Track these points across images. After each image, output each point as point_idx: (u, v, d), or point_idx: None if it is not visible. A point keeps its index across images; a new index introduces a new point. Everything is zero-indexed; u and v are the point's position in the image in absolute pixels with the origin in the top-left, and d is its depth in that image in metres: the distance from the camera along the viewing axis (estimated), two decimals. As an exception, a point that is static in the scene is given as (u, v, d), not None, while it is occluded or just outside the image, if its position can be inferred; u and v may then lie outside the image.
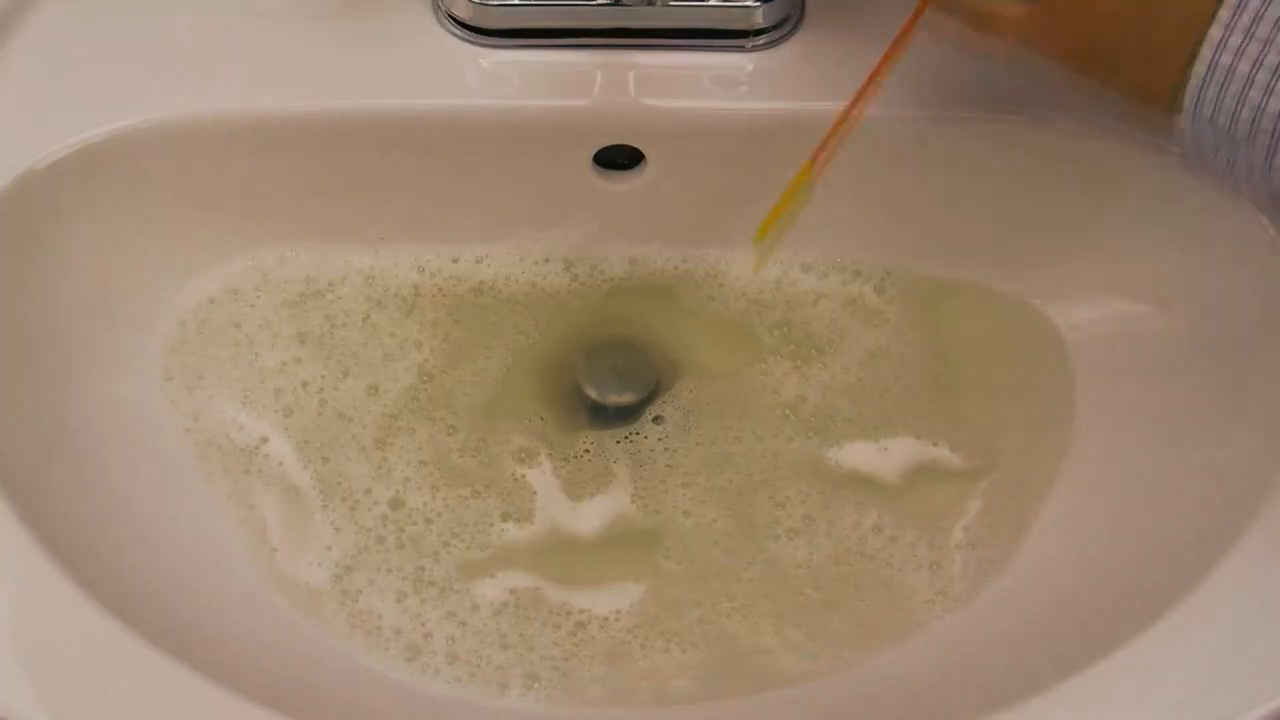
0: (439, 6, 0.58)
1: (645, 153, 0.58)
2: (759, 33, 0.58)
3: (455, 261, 0.61)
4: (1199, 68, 0.43)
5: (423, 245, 0.61)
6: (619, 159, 0.59)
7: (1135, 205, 0.57)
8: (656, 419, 0.58)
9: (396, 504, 0.56)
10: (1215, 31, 0.42)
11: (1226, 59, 0.42)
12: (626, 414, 0.59)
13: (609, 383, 0.59)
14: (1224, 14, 0.42)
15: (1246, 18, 0.42)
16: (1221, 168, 0.45)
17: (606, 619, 0.54)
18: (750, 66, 0.58)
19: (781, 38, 0.58)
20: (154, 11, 0.58)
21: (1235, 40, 0.42)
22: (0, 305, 0.53)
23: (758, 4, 0.57)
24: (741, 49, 0.58)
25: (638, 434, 0.58)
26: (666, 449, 0.58)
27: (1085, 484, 0.55)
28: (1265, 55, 0.42)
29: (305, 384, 0.58)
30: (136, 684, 0.44)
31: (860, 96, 0.52)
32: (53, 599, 0.46)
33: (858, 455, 0.58)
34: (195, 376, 0.58)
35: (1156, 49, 0.44)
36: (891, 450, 0.58)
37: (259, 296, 0.59)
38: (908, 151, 0.57)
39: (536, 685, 0.52)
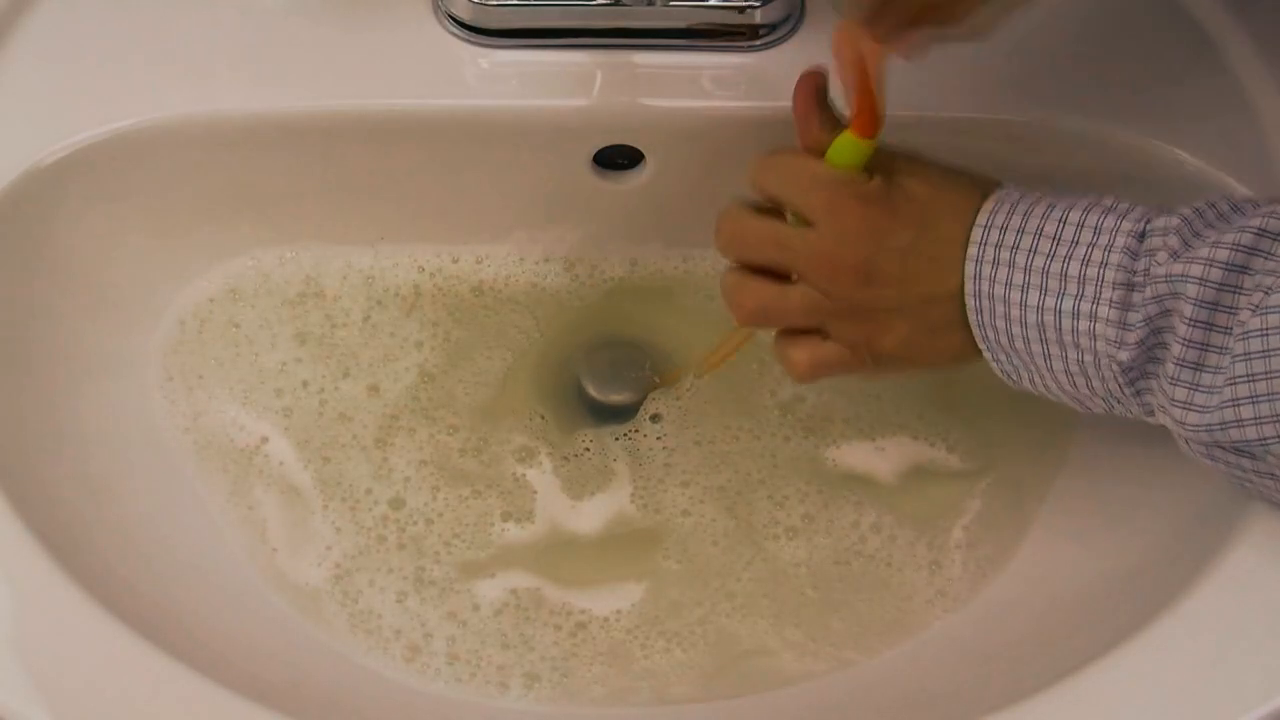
0: (439, 6, 0.58)
1: (645, 153, 0.58)
2: (759, 32, 0.58)
3: (455, 261, 0.61)
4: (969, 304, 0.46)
5: (423, 245, 0.61)
6: (619, 159, 0.59)
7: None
8: (654, 417, 0.58)
9: (397, 504, 0.56)
10: (970, 260, 0.46)
11: (985, 284, 0.46)
12: (626, 412, 0.59)
13: (608, 381, 0.59)
14: (972, 250, 0.46)
15: (994, 236, 0.46)
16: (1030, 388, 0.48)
17: (607, 619, 0.54)
18: (750, 66, 0.58)
19: (781, 38, 0.58)
20: (154, 11, 0.58)
21: (987, 267, 0.46)
22: (0, 304, 0.53)
23: (758, 4, 0.57)
24: (741, 49, 0.58)
25: (636, 431, 0.58)
26: (665, 447, 0.58)
27: (1085, 484, 0.55)
28: (1013, 265, 0.45)
29: (305, 384, 0.58)
30: (136, 683, 0.44)
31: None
32: (52, 598, 0.46)
33: (855, 455, 0.58)
34: (195, 376, 0.58)
35: (940, 348, 0.48)
36: (888, 450, 0.58)
37: (259, 296, 0.59)
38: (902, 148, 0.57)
39: (537, 685, 0.52)
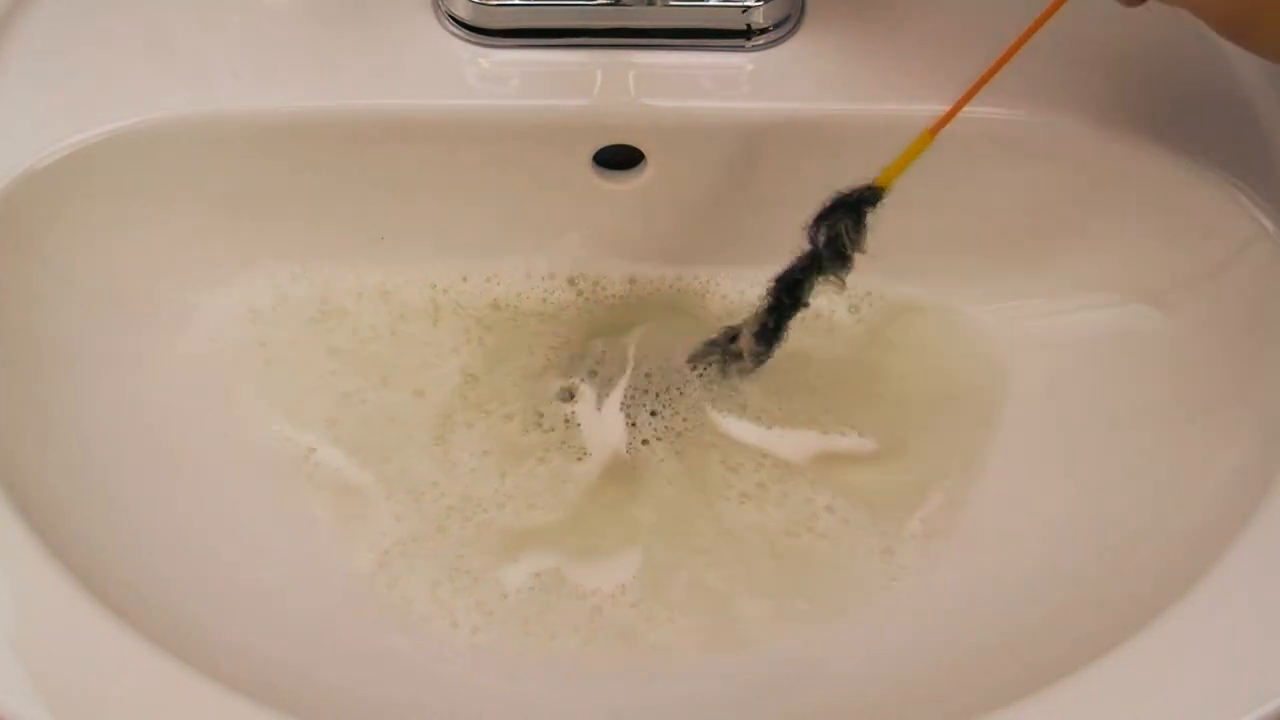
0: (439, 6, 0.58)
1: (645, 153, 0.58)
2: (759, 33, 0.58)
3: (465, 280, 0.61)
4: None
5: (429, 260, 0.61)
6: (619, 159, 0.59)
7: (1134, 204, 0.57)
8: (648, 374, 0.59)
9: (466, 496, 0.56)
10: None
11: None
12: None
13: None
14: None
15: None
16: None
17: (614, 595, 0.54)
18: (750, 66, 0.58)
19: (781, 38, 0.58)
20: (154, 11, 0.58)
21: None
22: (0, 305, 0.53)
23: (758, 4, 0.57)
24: (741, 49, 0.58)
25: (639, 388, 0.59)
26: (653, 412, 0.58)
27: (1083, 484, 0.55)
28: None
29: (347, 395, 0.58)
30: (137, 684, 0.44)
31: (999, 64, 0.49)
32: (53, 598, 0.45)
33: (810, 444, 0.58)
34: (214, 383, 0.57)
35: None
36: (843, 449, 0.58)
37: (281, 317, 0.59)
38: (902, 147, 0.57)
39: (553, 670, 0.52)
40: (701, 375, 0.58)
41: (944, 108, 0.56)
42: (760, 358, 0.55)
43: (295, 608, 0.52)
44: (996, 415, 0.58)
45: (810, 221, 0.50)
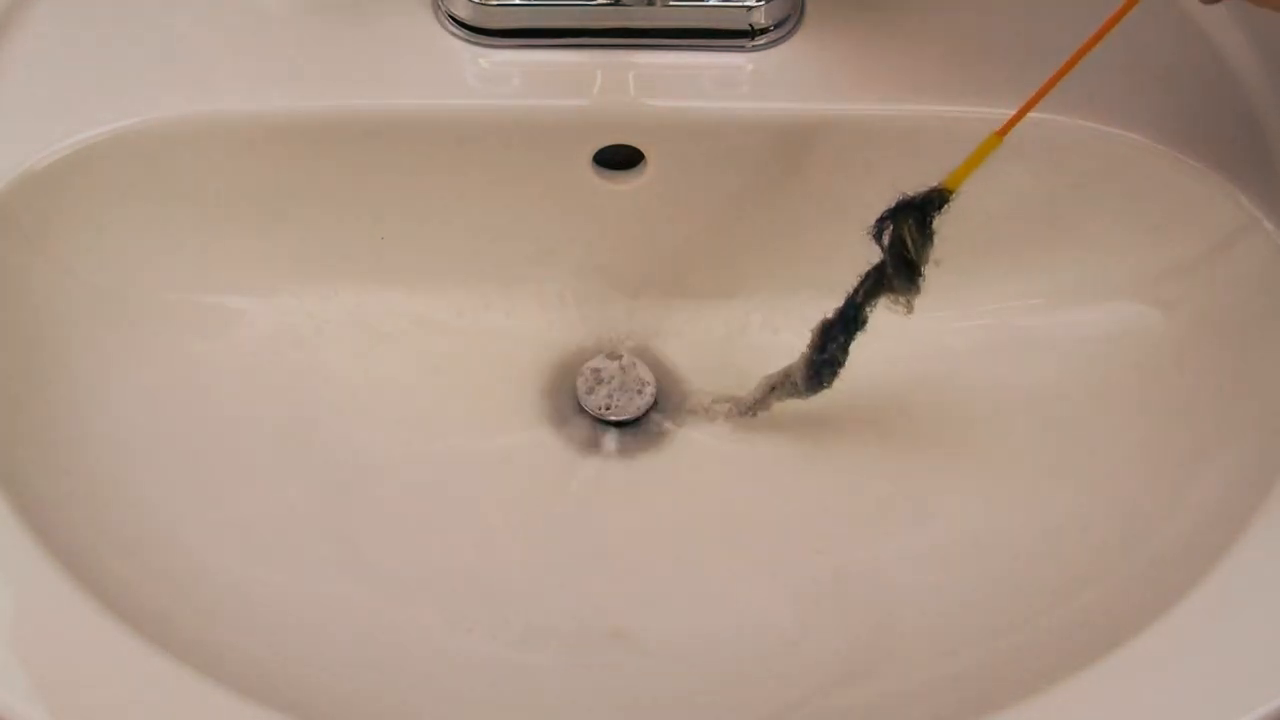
0: (439, 6, 0.58)
1: (645, 153, 0.58)
2: (759, 33, 0.58)
3: (488, 308, 0.61)
4: None
5: (448, 283, 0.61)
6: (619, 159, 0.59)
7: (1132, 203, 0.57)
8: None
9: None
10: None
11: None
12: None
13: None
14: None
15: None
16: None
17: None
18: (750, 66, 0.58)
19: (781, 38, 0.58)
20: (154, 11, 0.58)
21: None
22: (0, 307, 0.53)
23: (758, 4, 0.57)
24: (741, 49, 0.58)
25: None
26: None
27: (1080, 484, 0.55)
28: None
29: (442, 409, 0.59)
30: (137, 684, 0.44)
31: (1071, 64, 0.46)
32: (52, 598, 0.45)
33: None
34: (221, 384, 0.57)
35: None
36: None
37: (276, 315, 0.60)
38: (902, 148, 0.57)
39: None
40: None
41: (944, 107, 0.56)
42: (813, 381, 0.51)
43: (308, 607, 0.52)
44: (990, 417, 0.58)
45: (872, 225, 0.48)
